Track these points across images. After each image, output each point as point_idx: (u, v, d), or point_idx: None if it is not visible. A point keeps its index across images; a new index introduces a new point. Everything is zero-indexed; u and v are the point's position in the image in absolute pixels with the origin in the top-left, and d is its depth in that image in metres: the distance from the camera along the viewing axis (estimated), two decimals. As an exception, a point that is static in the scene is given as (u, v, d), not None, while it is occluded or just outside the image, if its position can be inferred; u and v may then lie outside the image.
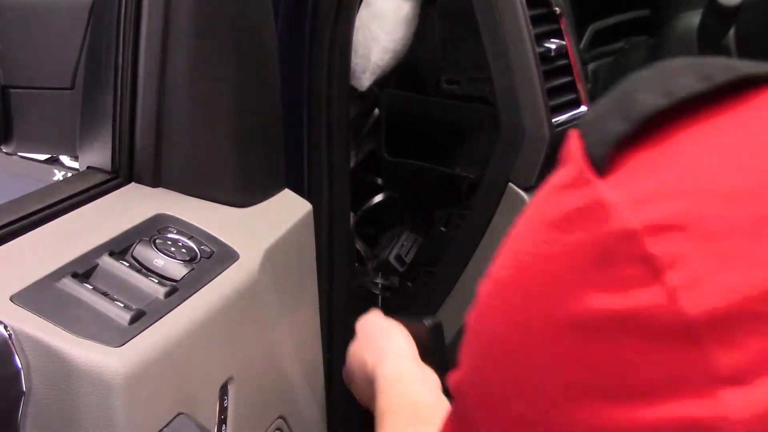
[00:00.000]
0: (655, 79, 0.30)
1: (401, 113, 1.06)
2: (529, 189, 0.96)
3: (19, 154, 1.00)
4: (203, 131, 0.76)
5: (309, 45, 0.96)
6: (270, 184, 0.83)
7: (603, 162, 0.28)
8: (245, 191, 0.79)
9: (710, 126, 0.29)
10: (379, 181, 1.12)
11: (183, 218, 0.73)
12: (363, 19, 1.00)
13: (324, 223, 1.02)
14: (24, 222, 0.66)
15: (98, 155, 0.78)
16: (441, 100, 1.02)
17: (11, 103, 0.81)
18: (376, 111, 1.10)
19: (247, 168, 0.79)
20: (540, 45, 0.95)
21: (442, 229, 1.04)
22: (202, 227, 0.73)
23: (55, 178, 1.10)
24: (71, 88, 0.80)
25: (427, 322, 0.74)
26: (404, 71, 1.06)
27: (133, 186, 0.77)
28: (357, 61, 1.02)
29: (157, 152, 0.76)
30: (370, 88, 1.05)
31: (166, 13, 0.74)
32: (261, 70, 0.80)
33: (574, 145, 0.30)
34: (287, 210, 0.82)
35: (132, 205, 0.74)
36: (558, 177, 0.30)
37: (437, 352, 0.72)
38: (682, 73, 0.29)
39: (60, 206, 0.70)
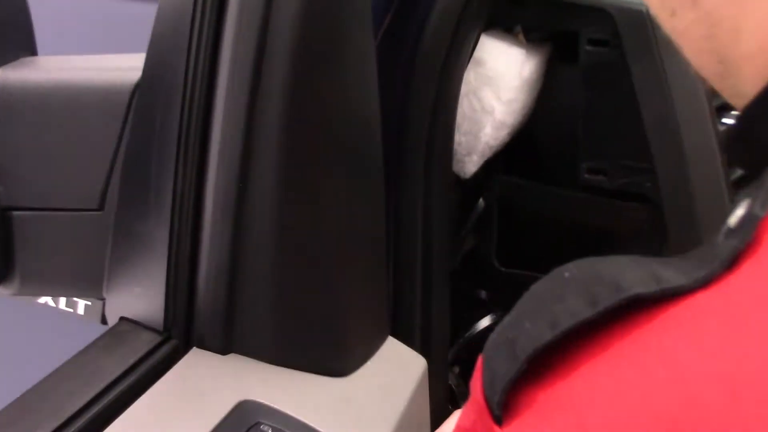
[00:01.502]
0: (545, 299, 0.36)
1: (518, 209, 1.01)
2: None
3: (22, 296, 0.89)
4: (296, 276, 0.70)
5: (400, 120, 0.86)
6: (374, 337, 0.78)
7: (499, 408, 0.33)
8: (347, 353, 0.74)
9: (601, 359, 0.32)
10: (483, 294, 1.02)
11: (275, 406, 0.67)
12: (470, 84, 0.91)
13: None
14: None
15: (139, 303, 0.72)
16: (579, 195, 0.96)
17: (14, 229, 0.71)
18: (481, 202, 1.00)
19: (351, 322, 0.73)
20: (720, 122, 0.86)
21: None
22: (301, 418, 0.66)
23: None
24: (99, 209, 0.74)
25: None
26: (522, 150, 0.97)
27: (195, 354, 0.71)
28: (460, 139, 0.93)
29: (230, 306, 0.70)
30: (475, 174, 0.95)
31: (250, 102, 0.65)
32: (369, 183, 0.74)
33: (475, 378, 0.35)
34: (398, 374, 0.77)
35: (201, 385, 0.68)
36: (463, 417, 0.37)
37: None
38: (571, 292, 0.34)
39: (111, 396, 0.63)
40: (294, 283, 0.70)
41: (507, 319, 0.36)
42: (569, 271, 0.37)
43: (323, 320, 0.72)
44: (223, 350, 0.71)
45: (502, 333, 0.35)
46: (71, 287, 0.78)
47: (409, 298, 0.95)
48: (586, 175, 0.96)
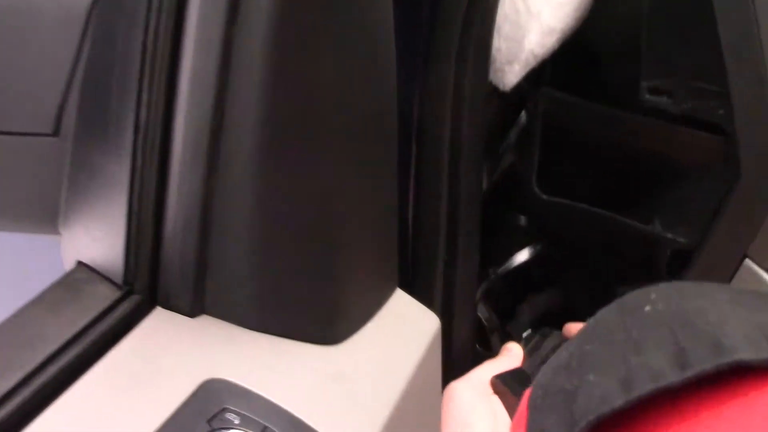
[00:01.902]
0: (616, 342, 0.31)
1: (565, 129, 0.94)
2: None
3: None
4: (279, 224, 0.63)
5: (428, 24, 0.79)
6: (376, 294, 0.71)
7: None
8: (340, 316, 0.67)
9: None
10: (522, 220, 1.00)
11: (248, 386, 0.60)
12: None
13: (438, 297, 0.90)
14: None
15: (98, 248, 0.65)
16: (637, 118, 0.88)
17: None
18: (523, 116, 0.96)
19: (346, 278, 0.66)
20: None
21: None
22: (279, 403, 0.59)
23: None
24: (54, 135, 0.66)
25: None
26: (571, 61, 0.92)
27: (158, 315, 0.64)
28: (500, 45, 0.84)
29: (202, 259, 0.63)
30: (518, 84, 0.89)
31: (228, 23, 0.58)
32: (380, 105, 0.67)
33: (516, 426, 0.33)
34: (402, 341, 0.70)
35: (161, 358, 0.61)
36: None
37: None
38: (653, 340, 0.30)
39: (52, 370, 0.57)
40: (277, 232, 0.63)
41: (563, 354, 0.32)
42: (650, 303, 0.33)
43: (311, 277, 0.65)
44: (192, 311, 0.64)
45: (557, 377, 0.32)
46: (24, 221, 0.71)
47: (431, 224, 0.88)
48: (648, 96, 0.88)
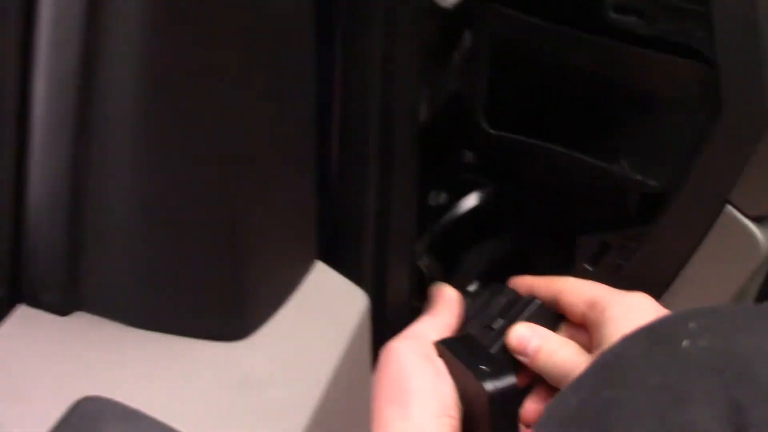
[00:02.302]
0: (648, 390, 0.27)
1: (518, 52, 0.90)
2: (764, 219, 0.85)
3: None
4: (166, 195, 0.58)
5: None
6: (290, 272, 0.65)
7: None
8: (246, 305, 0.61)
9: None
10: (470, 157, 0.97)
11: (133, 405, 0.53)
12: None
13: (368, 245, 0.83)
14: None
15: None
16: (602, 41, 0.85)
17: None
18: (468, 36, 0.92)
19: (251, 258, 0.61)
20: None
21: (586, 266, 0.90)
22: (176, 426, 0.53)
23: None
24: None
25: (490, 385, 0.74)
26: None
27: (22, 315, 0.58)
28: None
29: (74, 243, 0.57)
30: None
31: None
32: (288, 57, 0.61)
33: None
34: (323, 328, 0.65)
35: (24, 373, 0.55)
36: None
37: None
38: (698, 390, 0.26)
39: None
40: (164, 207, 0.58)
41: (572, 401, 0.30)
42: (689, 336, 0.29)
43: (208, 258, 0.59)
44: (64, 308, 0.58)
45: (570, 425, 0.28)
46: None
47: (358, 165, 0.81)
48: (613, 14, 0.85)
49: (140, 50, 0.54)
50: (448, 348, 0.80)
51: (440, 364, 0.79)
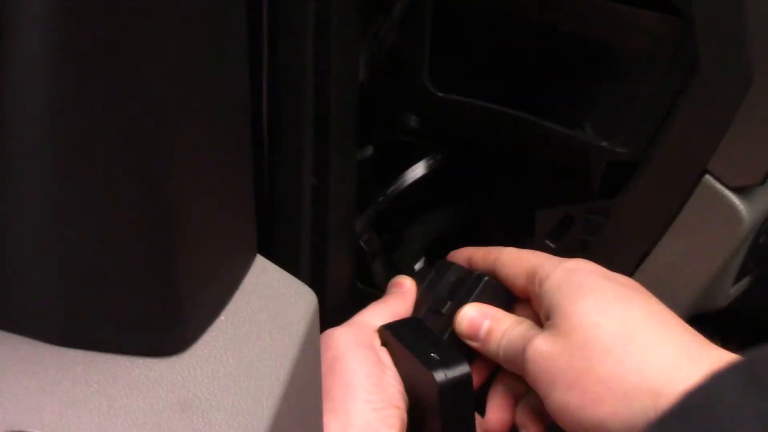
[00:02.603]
0: None
1: (465, 2, 0.86)
2: (746, 191, 0.82)
3: None
4: (93, 189, 0.53)
5: None
6: (233, 270, 0.62)
7: None
8: (188, 312, 0.57)
9: None
10: (414, 121, 0.94)
11: None
12: None
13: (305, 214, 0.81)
14: None
15: None
16: None
17: None
18: None
19: (192, 257, 0.57)
20: None
21: (548, 243, 0.87)
22: None
23: None
24: None
25: (440, 374, 0.72)
26: None
27: None
28: None
29: None
30: None
31: None
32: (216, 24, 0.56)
33: None
34: (275, 332, 0.61)
35: None
36: None
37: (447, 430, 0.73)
38: None
39: None
40: (82, 201, 0.53)
41: None
42: None
43: (135, 260, 0.54)
44: None
45: None
46: None
47: (292, 132, 0.78)
48: None
49: (48, 24, 0.49)
50: (393, 334, 0.77)
51: (383, 353, 0.76)
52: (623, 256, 0.85)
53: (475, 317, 0.77)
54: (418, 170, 0.92)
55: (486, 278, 0.79)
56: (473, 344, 0.76)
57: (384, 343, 0.77)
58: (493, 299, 0.78)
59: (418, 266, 0.95)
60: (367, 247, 0.95)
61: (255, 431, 0.55)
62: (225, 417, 0.54)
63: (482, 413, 0.78)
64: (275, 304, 0.62)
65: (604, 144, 0.83)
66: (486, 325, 0.76)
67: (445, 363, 0.72)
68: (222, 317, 0.59)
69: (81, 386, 0.52)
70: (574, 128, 0.85)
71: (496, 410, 0.77)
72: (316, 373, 0.64)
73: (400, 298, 0.82)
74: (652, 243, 0.83)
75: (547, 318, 0.72)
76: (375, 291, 0.90)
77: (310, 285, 0.66)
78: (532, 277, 0.75)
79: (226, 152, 0.59)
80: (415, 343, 0.75)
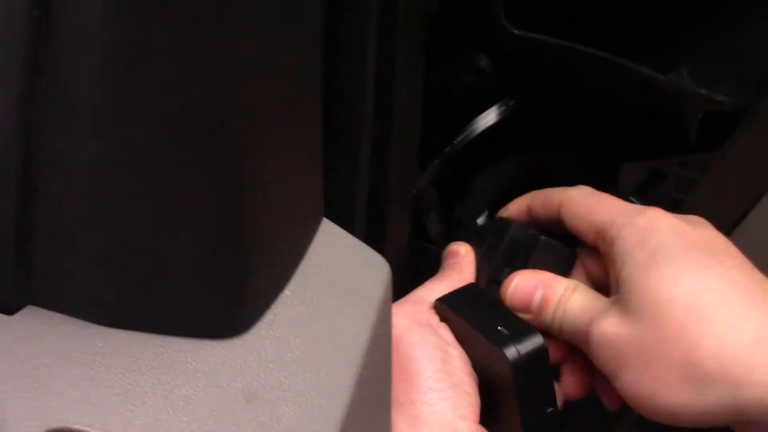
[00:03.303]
0: None
1: None
2: None
3: None
4: (151, 153, 0.49)
5: None
6: (300, 239, 0.58)
7: None
8: (254, 288, 0.53)
9: None
10: (484, 62, 0.90)
11: None
12: None
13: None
14: None
15: None
16: None
17: None
18: None
19: (261, 230, 0.53)
20: None
21: (632, 200, 0.83)
22: None
23: None
24: None
25: (512, 350, 0.68)
26: None
27: None
28: None
29: (22, 222, 0.49)
30: None
31: None
32: None
33: None
34: (347, 308, 0.57)
35: None
36: None
37: (525, 410, 0.69)
38: None
39: None
40: (137, 168, 0.49)
41: None
42: None
43: (198, 233, 0.50)
44: (12, 303, 0.50)
45: None
46: None
47: (353, 76, 0.74)
48: None
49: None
50: (451, 307, 0.73)
51: (444, 331, 0.72)
52: (719, 217, 0.81)
53: (523, 286, 0.73)
54: (489, 117, 0.88)
55: (543, 238, 0.75)
56: (525, 316, 0.72)
57: (443, 319, 0.73)
58: (551, 261, 0.74)
59: (480, 220, 0.91)
60: (423, 200, 0.92)
61: (327, 425, 0.52)
62: (293, 409, 0.51)
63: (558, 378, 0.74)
64: (346, 275, 0.58)
65: (703, 92, 0.80)
66: (538, 295, 0.72)
67: (516, 336, 0.69)
68: (287, 292, 0.55)
69: (133, 374, 0.49)
70: (668, 73, 0.82)
71: (573, 371, 0.74)
72: (389, 353, 0.61)
73: (458, 272, 0.78)
74: (753, 202, 0.79)
75: (617, 286, 0.68)
76: (432, 247, 0.87)
77: (366, 241, 0.63)
78: (601, 233, 0.71)
79: (297, 102, 0.55)
80: (477, 316, 0.72)
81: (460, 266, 0.78)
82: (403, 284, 0.79)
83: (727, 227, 0.82)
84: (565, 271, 0.74)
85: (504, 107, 0.88)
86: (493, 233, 0.80)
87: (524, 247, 0.76)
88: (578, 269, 0.77)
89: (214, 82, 0.47)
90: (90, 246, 0.50)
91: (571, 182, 0.91)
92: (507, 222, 0.79)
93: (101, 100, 0.47)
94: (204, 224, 0.50)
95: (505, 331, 0.69)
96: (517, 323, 0.71)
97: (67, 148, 0.47)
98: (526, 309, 0.72)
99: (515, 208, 0.79)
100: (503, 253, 0.78)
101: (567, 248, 0.74)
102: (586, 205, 0.74)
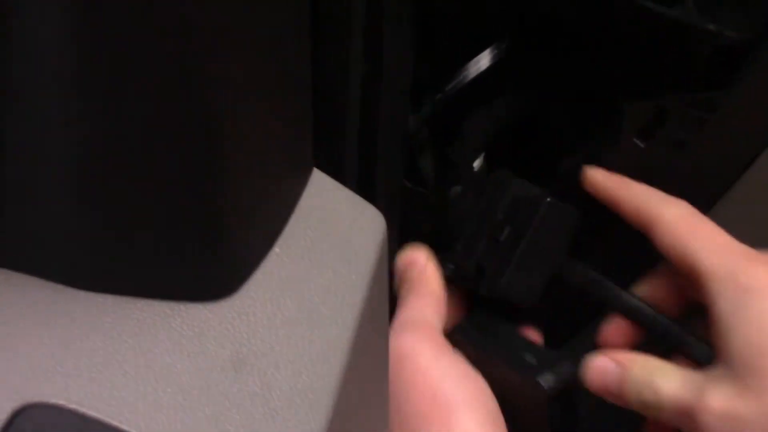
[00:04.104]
0: None
1: None
2: None
3: None
4: (126, 99, 0.45)
5: None
6: (289, 191, 0.55)
7: None
8: (240, 246, 0.51)
9: None
10: None
11: (93, 412, 0.44)
12: None
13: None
14: None
15: None
16: None
17: None
18: None
19: (246, 181, 0.50)
20: None
21: (636, 142, 0.81)
22: None
23: None
24: None
25: (546, 378, 0.69)
26: None
27: None
28: None
29: None
30: None
31: None
32: None
33: None
34: (340, 267, 0.55)
35: None
36: None
37: None
38: None
39: None
40: (112, 111, 0.45)
41: None
42: None
43: (174, 176, 0.47)
44: None
45: None
46: None
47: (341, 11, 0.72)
48: None
49: None
50: (466, 338, 0.74)
51: (462, 360, 0.71)
52: (727, 158, 0.79)
53: (602, 367, 0.70)
54: (482, 62, 0.86)
55: (549, 200, 0.72)
56: (609, 399, 0.71)
57: (454, 345, 0.72)
58: (557, 226, 0.72)
59: (477, 164, 0.88)
60: (415, 140, 0.90)
61: (321, 392, 0.50)
62: (286, 377, 0.49)
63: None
64: (339, 230, 0.56)
65: (711, 26, 0.78)
66: (617, 374, 0.69)
67: (545, 363, 0.68)
68: (277, 249, 0.52)
69: (113, 341, 0.46)
70: (673, 6, 0.79)
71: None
72: (386, 313, 0.58)
73: (427, 285, 0.76)
74: (764, 143, 0.77)
75: (720, 349, 0.65)
76: (423, 190, 0.86)
77: (356, 188, 0.60)
78: (697, 279, 0.67)
79: (282, 36, 0.52)
80: (498, 345, 0.73)
81: (427, 278, 0.76)
82: (394, 230, 0.77)
83: (735, 170, 0.80)
84: (571, 233, 0.72)
85: (496, 51, 0.87)
86: (493, 187, 0.78)
87: (528, 205, 0.74)
88: (646, 285, 0.74)
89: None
90: (61, 201, 0.47)
91: (566, 122, 0.89)
92: (509, 176, 0.77)
93: (62, 39, 0.44)
94: (182, 175, 0.47)
95: (533, 360, 0.69)
96: (539, 349, 0.71)
97: (30, 95, 0.44)
98: (607, 393, 0.70)
99: (591, 178, 0.76)
100: (504, 210, 0.76)
101: (574, 210, 0.72)
102: (680, 234, 0.70)
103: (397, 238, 0.82)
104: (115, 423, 0.44)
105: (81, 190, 0.47)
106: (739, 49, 0.77)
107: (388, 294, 0.60)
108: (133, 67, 0.44)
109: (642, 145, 0.81)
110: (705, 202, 0.80)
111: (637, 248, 0.77)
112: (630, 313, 0.73)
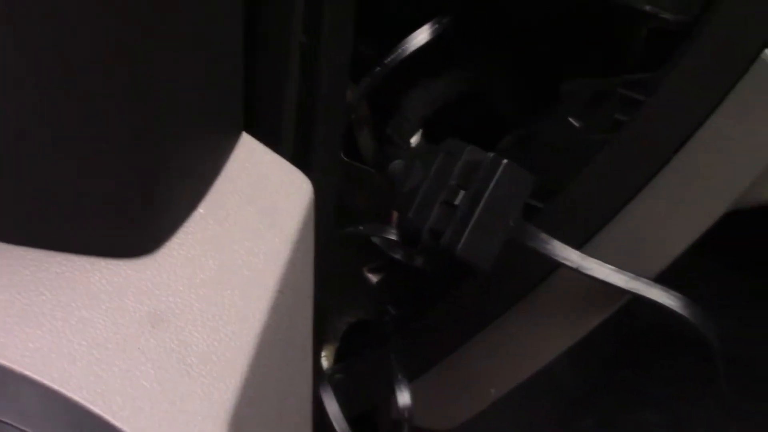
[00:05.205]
0: None
1: None
2: None
3: None
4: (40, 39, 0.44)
5: None
6: (216, 151, 0.55)
7: None
8: (163, 201, 0.51)
9: None
10: None
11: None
12: None
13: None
14: None
15: None
16: None
17: None
18: None
19: (169, 133, 0.50)
20: None
21: (572, 122, 0.82)
22: (63, 391, 0.44)
23: None
24: None
25: None
26: None
27: None
28: None
29: None
30: None
31: None
32: None
33: None
34: (265, 229, 0.55)
35: None
36: None
37: None
38: None
39: None
40: (24, 50, 0.44)
41: None
42: None
43: (96, 131, 0.47)
44: None
45: None
46: None
47: None
48: None
49: None
50: None
51: None
52: (662, 139, 0.79)
53: None
54: (421, 36, 0.85)
55: (505, 162, 0.72)
56: None
57: None
58: (513, 189, 0.72)
59: (414, 140, 0.88)
60: (354, 115, 0.90)
61: (238, 351, 0.50)
62: (203, 335, 0.49)
63: None
64: (265, 194, 0.56)
65: (647, 8, 0.77)
66: None
67: None
68: (201, 210, 0.53)
69: (30, 294, 0.47)
70: None
71: None
72: (310, 277, 0.58)
73: None
74: (697, 125, 0.77)
75: None
76: (362, 166, 0.86)
77: (293, 158, 0.61)
78: None
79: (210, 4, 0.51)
80: None
81: None
82: (331, 203, 0.77)
83: (668, 151, 0.80)
84: (525, 196, 0.72)
85: (436, 25, 0.85)
86: (444, 153, 0.77)
87: (482, 170, 0.74)
88: None
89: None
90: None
91: (504, 99, 0.90)
92: (462, 144, 0.77)
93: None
94: (105, 129, 0.47)
95: None
96: None
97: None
98: None
99: None
100: (458, 174, 0.75)
101: (530, 174, 0.73)
102: None
103: (335, 211, 0.82)
104: (27, 373, 0.44)
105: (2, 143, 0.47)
106: (675, 31, 0.77)
107: (313, 258, 0.60)
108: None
109: (578, 125, 0.81)
110: (635, 184, 0.81)
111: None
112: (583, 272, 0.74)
